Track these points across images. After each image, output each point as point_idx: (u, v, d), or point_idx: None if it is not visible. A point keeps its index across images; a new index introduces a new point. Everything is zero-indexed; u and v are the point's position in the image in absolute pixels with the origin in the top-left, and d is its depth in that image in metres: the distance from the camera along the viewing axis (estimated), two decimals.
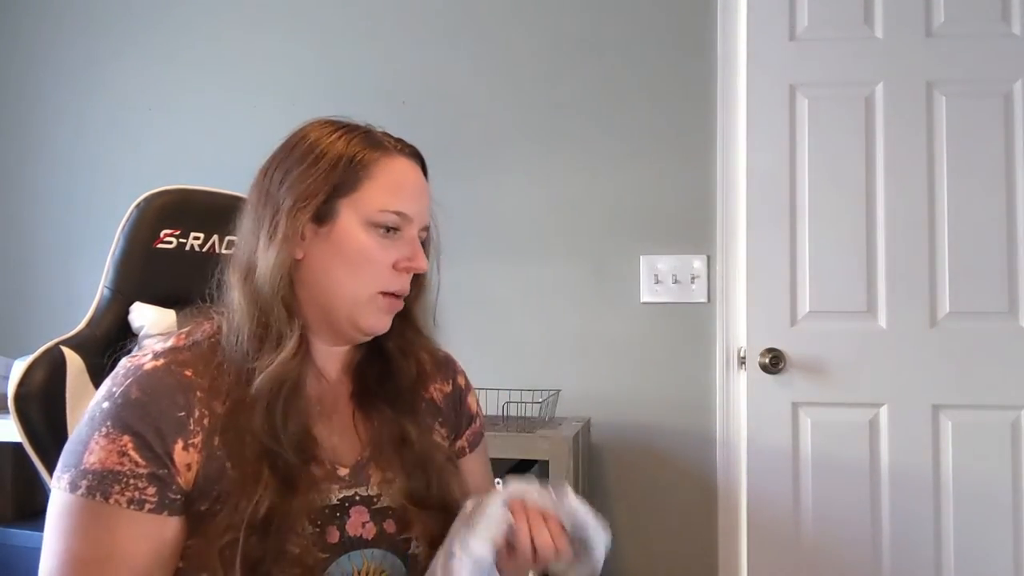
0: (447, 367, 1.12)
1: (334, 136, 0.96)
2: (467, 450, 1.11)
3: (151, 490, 0.84)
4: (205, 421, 0.87)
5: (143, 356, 0.90)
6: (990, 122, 2.13)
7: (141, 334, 1.33)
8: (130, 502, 0.83)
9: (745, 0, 2.21)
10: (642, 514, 2.25)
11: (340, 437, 0.97)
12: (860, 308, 2.14)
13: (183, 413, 0.87)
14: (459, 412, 1.11)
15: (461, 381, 1.13)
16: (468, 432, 1.12)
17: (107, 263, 1.31)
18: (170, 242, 1.33)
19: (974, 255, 2.11)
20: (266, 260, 0.92)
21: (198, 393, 0.88)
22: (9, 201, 2.55)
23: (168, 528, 0.85)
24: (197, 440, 0.86)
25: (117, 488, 0.83)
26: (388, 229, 0.95)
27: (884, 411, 2.12)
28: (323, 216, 0.93)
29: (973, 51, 2.14)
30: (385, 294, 0.95)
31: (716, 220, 2.25)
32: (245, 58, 2.46)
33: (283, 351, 0.90)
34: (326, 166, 0.93)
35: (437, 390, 1.09)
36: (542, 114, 2.34)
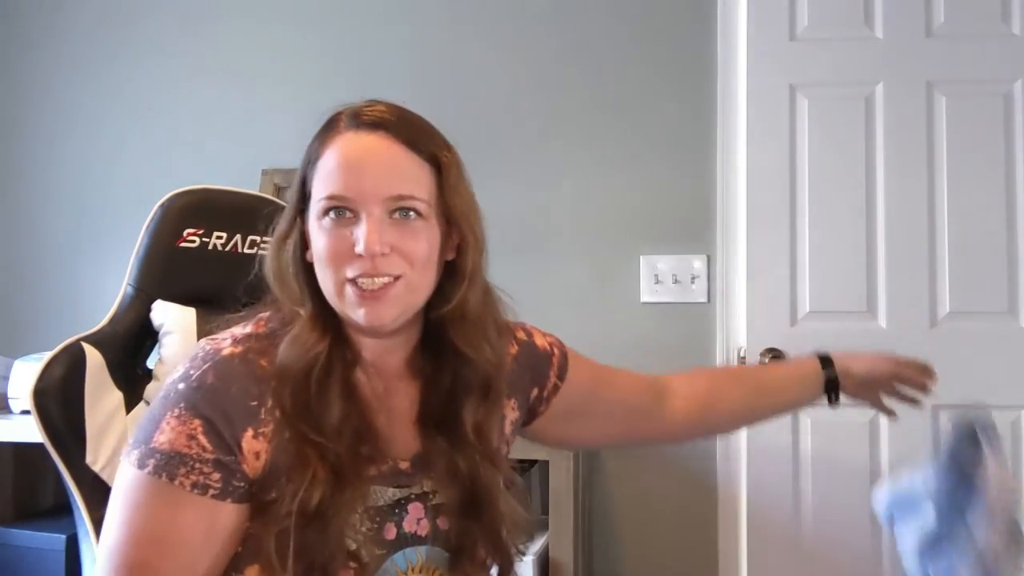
0: (506, 335, 1.06)
1: (317, 130, 0.94)
2: (555, 392, 1.13)
3: (216, 476, 0.84)
4: (277, 412, 0.87)
5: (223, 340, 0.90)
6: (990, 122, 2.13)
7: (161, 331, 1.35)
8: (194, 486, 0.83)
9: (745, 0, 2.21)
10: (642, 514, 2.24)
11: (398, 432, 0.96)
12: (860, 308, 2.14)
13: (255, 402, 0.87)
14: (535, 358, 1.11)
15: (521, 335, 1.12)
16: (552, 372, 1.13)
17: (131, 261, 1.33)
18: (193, 241, 1.34)
19: (974, 255, 2.11)
20: (269, 257, 0.95)
21: (272, 383, 0.88)
22: (10, 201, 2.55)
23: (229, 514, 0.85)
24: (267, 430, 0.86)
25: (183, 471, 0.83)
26: (336, 216, 0.89)
27: None
28: (306, 217, 0.93)
29: (973, 51, 2.15)
30: (351, 283, 0.89)
31: (716, 220, 2.24)
32: (248, 57, 2.46)
33: (296, 327, 0.90)
34: (300, 167, 0.94)
35: (510, 359, 1.06)
36: (541, 115, 2.34)
